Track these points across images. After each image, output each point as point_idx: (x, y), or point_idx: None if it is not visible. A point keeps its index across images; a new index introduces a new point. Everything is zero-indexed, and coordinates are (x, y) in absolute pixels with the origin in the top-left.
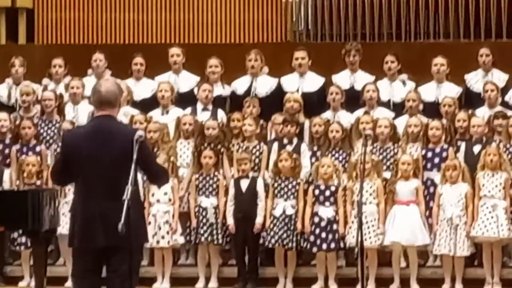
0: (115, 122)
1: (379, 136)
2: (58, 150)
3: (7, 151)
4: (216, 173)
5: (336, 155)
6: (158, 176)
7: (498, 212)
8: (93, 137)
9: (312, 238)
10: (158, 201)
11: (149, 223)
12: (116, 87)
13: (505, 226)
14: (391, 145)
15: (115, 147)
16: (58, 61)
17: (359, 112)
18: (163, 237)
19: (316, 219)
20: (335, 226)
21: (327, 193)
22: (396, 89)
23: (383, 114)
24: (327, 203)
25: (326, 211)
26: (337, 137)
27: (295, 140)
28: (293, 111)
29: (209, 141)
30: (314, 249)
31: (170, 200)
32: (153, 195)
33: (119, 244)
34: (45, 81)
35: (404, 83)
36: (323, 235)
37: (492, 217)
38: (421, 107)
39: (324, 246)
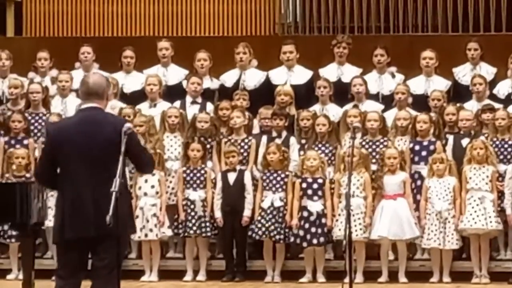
0: (103, 112)
1: (369, 129)
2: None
3: None
4: (203, 165)
5: (323, 148)
6: (148, 164)
7: (485, 204)
8: (81, 128)
9: (301, 232)
10: (145, 194)
11: (137, 216)
12: (103, 80)
13: (493, 218)
14: (380, 138)
15: (103, 138)
16: (43, 54)
17: (349, 106)
18: (151, 230)
19: (305, 214)
20: (323, 220)
21: (315, 186)
22: (385, 81)
23: (372, 107)
24: (315, 197)
25: (314, 205)
26: (324, 131)
27: (284, 133)
28: (284, 104)
29: (200, 134)
30: (304, 244)
31: (157, 193)
32: (140, 188)
33: (108, 233)
34: (31, 74)
35: (393, 75)
36: (313, 229)
37: (480, 210)
38: (410, 100)
39: (315, 241)
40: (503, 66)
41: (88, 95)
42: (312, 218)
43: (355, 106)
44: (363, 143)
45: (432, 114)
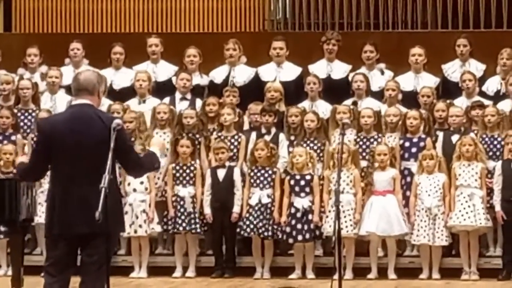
0: (93, 109)
1: (363, 126)
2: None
3: None
4: (192, 162)
5: (311, 144)
6: (134, 166)
7: (474, 201)
8: (70, 124)
9: (288, 229)
10: (134, 190)
11: (126, 212)
12: (94, 76)
13: (482, 215)
14: (375, 135)
15: (92, 134)
16: (33, 50)
17: (348, 102)
18: (140, 226)
19: (292, 210)
20: (310, 216)
21: (302, 182)
22: (374, 78)
23: (372, 104)
24: (302, 194)
25: (301, 202)
26: (312, 127)
27: (273, 130)
28: (273, 100)
29: (187, 130)
30: (290, 240)
31: (146, 189)
32: (129, 184)
33: (98, 230)
34: (20, 70)
35: (382, 72)
36: (299, 226)
37: (469, 206)
38: (400, 96)
39: (300, 237)
40: (492, 63)
41: (78, 91)
42: (298, 215)
43: (354, 103)
44: (357, 139)
45: (422, 111)
